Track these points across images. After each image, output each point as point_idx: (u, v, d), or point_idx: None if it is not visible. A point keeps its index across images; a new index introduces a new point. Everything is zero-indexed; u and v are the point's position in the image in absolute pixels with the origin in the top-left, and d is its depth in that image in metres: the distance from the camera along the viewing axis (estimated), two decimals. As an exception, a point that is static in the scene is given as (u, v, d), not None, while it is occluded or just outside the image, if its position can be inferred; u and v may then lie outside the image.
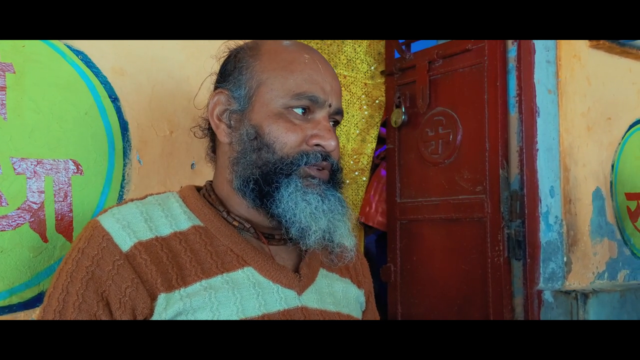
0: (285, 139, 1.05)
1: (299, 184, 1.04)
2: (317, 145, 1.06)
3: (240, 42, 1.17)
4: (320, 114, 1.08)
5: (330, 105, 1.09)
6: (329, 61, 2.67)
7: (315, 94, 1.07)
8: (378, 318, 1.33)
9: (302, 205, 1.03)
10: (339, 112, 1.13)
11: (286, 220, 1.03)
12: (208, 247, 1.04)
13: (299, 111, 1.06)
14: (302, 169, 1.05)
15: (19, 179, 1.28)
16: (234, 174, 1.07)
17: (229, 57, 1.15)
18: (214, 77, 1.18)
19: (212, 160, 1.17)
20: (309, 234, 1.03)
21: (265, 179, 1.04)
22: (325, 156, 1.07)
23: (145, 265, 0.98)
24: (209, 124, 1.14)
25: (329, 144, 1.06)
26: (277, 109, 1.06)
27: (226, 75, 1.12)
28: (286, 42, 1.13)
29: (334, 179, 1.10)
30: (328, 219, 1.05)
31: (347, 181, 2.72)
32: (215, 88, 1.14)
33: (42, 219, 1.31)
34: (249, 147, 1.06)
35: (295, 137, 1.05)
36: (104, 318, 0.96)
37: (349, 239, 1.10)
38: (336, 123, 1.14)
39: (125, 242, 0.99)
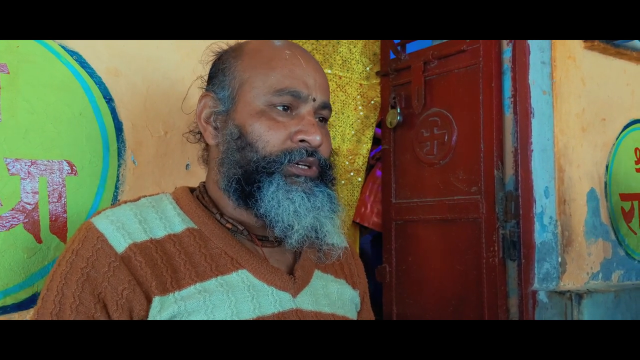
0: (267, 137, 1.03)
1: (281, 183, 1.02)
2: (301, 141, 1.05)
3: (224, 44, 1.17)
4: (305, 109, 1.06)
5: (314, 100, 1.07)
6: (324, 62, 2.67)
7: (297, 88, 1.05)
8: (373, 318, 1.33)
9: (285, 204, 1.01)
10: (326, 106, 1.10)
11: (270, 220, 1.02)
12: (202, 250, 1.04)
13: (282, 108, 1.05)
14: (286, 167, 1.03)
15: (13, 179, 1.28)
16: (220, 175, 1.07)
17: (215, 60, 1.15)
18: (200, 81, 1.18)
19: (205, 162, 1.17)
20: (291, 233, 1.02)
21: (247, 179, 1.03)
22: (312, 152, 1.05)
23: (140, 267, 0.97)
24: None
25: (314, 138, 1.04)
26: (259, 106, 1.05)
27: (211, 78, 1.13)
28: (270, 41, 1.12)
29: (323, 175, 1.08)
30: (313, 216, 1.03)
31: (343, 181, 2.72)
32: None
33: (36, 220, 1.31)
34: (232, 146, 1.05)
35: (278, 134, 1.04)
36: (102, 319, 0.96)
37: (336, 236, 1.08)
38: (324, 119, 1.12)
39: (120, 244, 0.98)
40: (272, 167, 1.02)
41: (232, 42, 1.17)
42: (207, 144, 1.15)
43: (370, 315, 1.32)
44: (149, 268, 0.97)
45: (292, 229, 1.02)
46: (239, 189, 1.04)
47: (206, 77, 1.18)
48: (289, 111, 1.06)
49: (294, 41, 1.17)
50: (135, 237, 1.00)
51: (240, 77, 1.07)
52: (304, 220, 1.02)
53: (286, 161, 1.03)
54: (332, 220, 1.06)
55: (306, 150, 1.05)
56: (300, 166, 1.05)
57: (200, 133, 1.15)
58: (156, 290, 0.97)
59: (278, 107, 1.05)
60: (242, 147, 1.04)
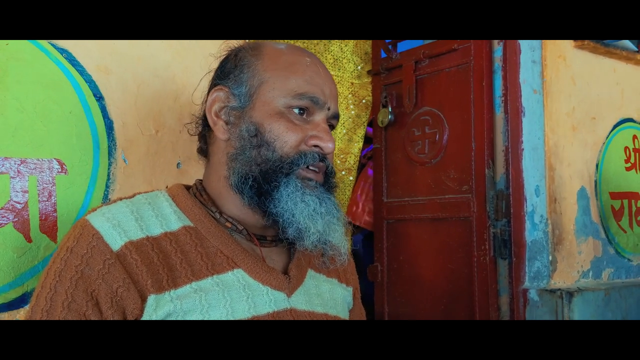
0: (285, 137, 1.05)
1: (299, 185, 1.04)
2: (314, 146, 1.07)
3: (237, 42, 1.17)
4: (319, 116, 1.10)
5: (329, 109, 1.11)
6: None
7: (316, 95, 1.08)
8: (364, 314, 1.34)
9: (301, 206, 1.04)
10: (336, 116, 1.14)
11: (284, 220, 1.04)
12: (198, 249, 1.03)
13: (298, 111, 1.07)
14: (300, 170, 1.06)
15: (2, 178, 1.27)
16: (231, 170, 1.07)
17: (228, 55, 1.15)
18: (206, 76, 1.18)
19: (204, 155, 1.17)
20: (307, 235, 1.04)
21: (265, 177, 1.04)
22: (322, 157, 1.08)
23: (136, 265, 0.97)
24: (202, 121, 1.14)
25: (327, 146, 1.07)
26: (278, 107, 1.07)
27: (226, 73, 1.12)
28: (290, 45, 1.15)
29: (327, 182, 1.11)
30: (325, 221, 1.06)
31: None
32: (214, 85, 1.14)
33: (26, 219, 1.30)
34: (248, 143, 1.06)
35: (295, 136, 1.06)
36: (93, 318, 0.95)
37: (343, 243, 1.11)
38: (331, 127, 1.15)
39: (115, 241, 0.98)
40: (289, 168, 1.05)
41: (236, 42, 1.17)
42: (204, 138, 1.15)
43: (361, 312, 1.33)
44: (145, 266, 0.97)
45: (309, 231, 1.04)
46: (255, 186, 1.05)
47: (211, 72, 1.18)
48: (304, 115, 1.08)
49: (290, 41, 1.17)
50: (131, 235, 0.99)
51: (260, 76, 1.09)
52: (318, 224, 1.05)
53: (302, 164, 1.05)
54: (339, 227, 1.09)
55: (318, 155, 1.07)
56: (311, 169, 1.08)
57: (203, 126, 1.15)
58: (152, 289, 0.96)
59: (295, 110, 1.07)
60: (259, 145, 1.05)
